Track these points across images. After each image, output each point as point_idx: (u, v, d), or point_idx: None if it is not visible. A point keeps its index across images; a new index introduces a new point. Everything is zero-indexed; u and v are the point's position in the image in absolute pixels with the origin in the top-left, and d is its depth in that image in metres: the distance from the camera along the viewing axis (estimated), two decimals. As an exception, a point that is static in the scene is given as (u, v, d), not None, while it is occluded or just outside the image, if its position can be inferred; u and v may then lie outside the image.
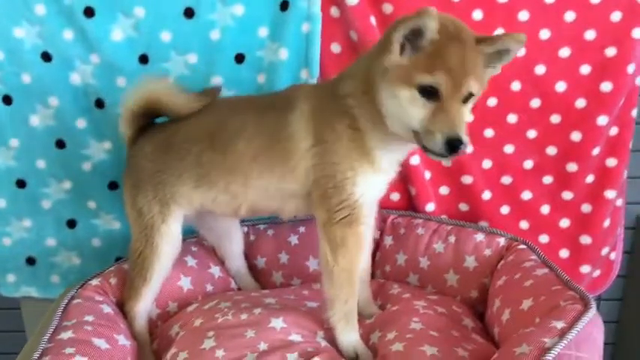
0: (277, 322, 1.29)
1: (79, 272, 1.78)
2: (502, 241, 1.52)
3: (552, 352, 1.05)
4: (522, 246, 1.49)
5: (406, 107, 1.14)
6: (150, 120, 1.45)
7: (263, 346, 1.23)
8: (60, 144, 1.67)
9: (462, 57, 1.11)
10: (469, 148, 1.13)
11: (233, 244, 1.61)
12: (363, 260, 1.36)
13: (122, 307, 1.44)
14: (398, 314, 1.36)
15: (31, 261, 1.79)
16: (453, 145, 1.10)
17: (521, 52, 1.57)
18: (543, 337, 1.09)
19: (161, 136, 1.41)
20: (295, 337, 1.26)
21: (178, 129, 1.39)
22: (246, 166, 1.31)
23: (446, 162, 1.20)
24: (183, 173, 1.37)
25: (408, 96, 1.13)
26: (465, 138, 1.11)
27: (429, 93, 1.12)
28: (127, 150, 1.48)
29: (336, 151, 1.24)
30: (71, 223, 1.76)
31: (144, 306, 1.43)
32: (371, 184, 1.26)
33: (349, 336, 1.28)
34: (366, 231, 1.34)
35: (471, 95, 1.15)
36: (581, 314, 1.13)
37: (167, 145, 1.39)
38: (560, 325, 1.11)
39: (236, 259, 1.63)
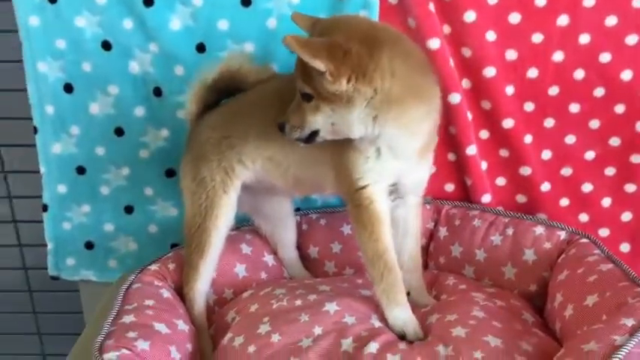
0: (331, 306, 1.28)
1: (135, 257, 1.80)
2: (563, 234, 1.47)
3: (623, 350, 1.01)
4: (585, 240, 1.43)
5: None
6: (217, 99, 1.47)
7: (318, 330, 1.23)
8: (119, 132, 1.69)
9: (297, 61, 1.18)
10: (294, 137, 1.23)
11: (287, 232, 1.60)
12: (402, 243, 1.37)
13: (181, 291, 1.45)
14: (456, 303, 1.33)
15: (89, 245, 1.82)
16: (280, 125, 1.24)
17: (586, 39, 1.51)
18: (613, 334, 1.04)
19: (227, 107, 1.45)
20: (349, 320, 1.25)
21: (244, 96, 1.43)
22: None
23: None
24: (249, 132, 1.39)
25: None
26: (287, 126, 1.22)
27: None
28: (190, 127, 1.49)
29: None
30: (129, 209, 1.78)
31: (202, 286, 1.43)
32: (366, 168, 1.25)
33: (394, 312, 1.26)
34: (406, 214, 1.37)
35: (307, 95, 1.18)
36: None
37: (233, 111, 1.43)
38: (630, 322, 1.07)
39: (289, 249, 1.62)
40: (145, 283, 1.41)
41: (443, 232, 1.60)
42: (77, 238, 1.81)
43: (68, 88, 1.64)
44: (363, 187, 1.26)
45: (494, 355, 1.15)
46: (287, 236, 1.61)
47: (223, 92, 1.47)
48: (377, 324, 1.26)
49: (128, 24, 1.57)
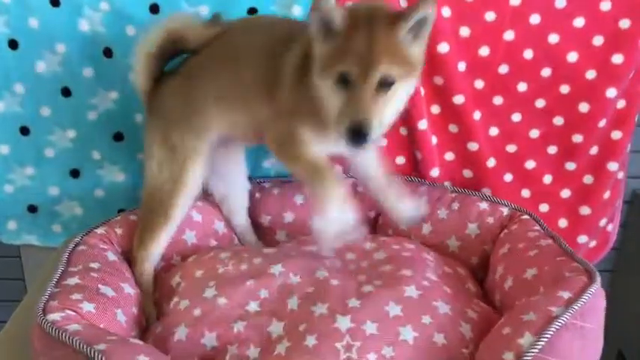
0: (276, 268, 1.31)
1: (81, 222, 1.77)
2: (505, 210, 1.52)
3: (559, 320, 1.06)
4: (526, 216, 1.49)
5: (327, 97, 1.15)
6: (162, 68, 1.43)
7: (264, 293, 1.26)
8: (66, 92, 1.64)
9: (371, 41, 1.10)
10: (376, 136, 1.14)
11: (240, 197, 1.60)
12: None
13: (127, 255, 1.43)
14: (412, 259, 1.37)
15: (32, 209, 1.77)
16: (356, 132, 1.10)
17: (536, 19, 1.56)
18: (550, 305, 1.10)
19: (181, 72, 1.41)
20: (294, 279, 1.28)
21: (197, 59, 1.39)
22: (249, 91, 1.32)
23: (360, 151, 1.26)
24: (209, 95, 1.37)
25: (329, 85, 1.14)
26: (372, 124, 1.10)
27: (345, 81, 1.12)
28: (145, 102, 1.45)
29: (294, 106, 1.26)
30: (75, 173, 1.73)
31: (157, 250, 1.43)
32: (314, 145, 1.26)
33: (321, 181, 1.24)
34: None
35: (391, 80, 1.12)
36: (587, 286, 1.14)
37: (190, 76, 1.39)
38: (566, 295, 1.12)
39: (241, 215, 1.62)
40: (91, 246, 1.38)
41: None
42: (20, 201, 1.76)
43: (13, 44, 1.58)
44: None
45: (442, 320, 1.19)
46: (239, 202, 1.60)
47: (172, 56, 1.43)
48: (322, 275, 1.29)
49: (78, -20, 1.52)
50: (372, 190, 1.44)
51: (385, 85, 1.12)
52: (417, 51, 1.16)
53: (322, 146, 1.27)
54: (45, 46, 1.58)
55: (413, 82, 1.18)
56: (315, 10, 1.11)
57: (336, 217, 1.21)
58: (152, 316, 1.36)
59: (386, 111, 1.14)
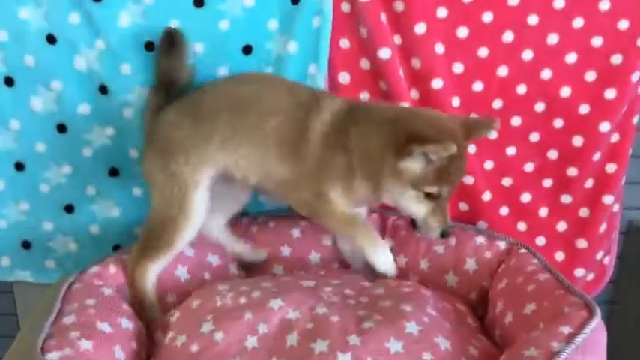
0: (275, 302, 1.29)
1: (75, 258, 1.76)
2: (502, 244, 1.53)
3: (560, 356, 1.07)
4: (523, 250, 1.49)
5: (411, 204, 1.34)
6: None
7: (262, 328, 1.24)
8: (61, 128, 1.64)
9: (462, 169, 1.33)
10: None
11: (221, 217, 1.60)
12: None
13: (130, 272, 1.45)
14: (410, 294, 1.37)
15: (26, 245, 1.76)
16: (447, 234, 1.37)
17: (529, 55, 1.59)
18: (551, 341, 1.11)
19: (188, 103, 1.47)
20: (293, 315, 1.27)
21: (208, 96, 1.46)
22: (266, 145, 1.39)
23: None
24: (213, 134, 1.41)
25: (414, 196, 1.32)
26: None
27: (432, 196, 1.32)
28: (148, 118, 1.51)
29: (326, 167, 1.37)
30: (69, 209, 1.73)
31: (155, 272, 1.45)
32: (342, 201, 1.39)
33: (377, 251, 1.38)
34: None
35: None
36: (587, 320, 1.15)
37: (196, 111, 1.44)
38: (566, 330, 1.13)
39: (221, 230, 1.61)
40: (86, 283, 1.38)
41: (389, 242, 1.62)
42: (13, 237, 1.75)
43: (9, 82, 1.59)
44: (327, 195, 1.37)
45: (443, 357, 1.19)
46: (220, 220, 1.60)
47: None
48: (322, 311, 1.28)
49: (75, 18, 1.53)
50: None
51: None
52: None
53: (349, 205, 1.40)
54: (41, 83, 1.59)
55: None
56: (435, 146, 1.23)
57: (382, 258, 1.39)
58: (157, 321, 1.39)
59: None
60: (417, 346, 1.19)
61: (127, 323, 1.31)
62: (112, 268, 1.46)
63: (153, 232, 1.45)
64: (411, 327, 1.23)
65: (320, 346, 1.19)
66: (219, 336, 1.24)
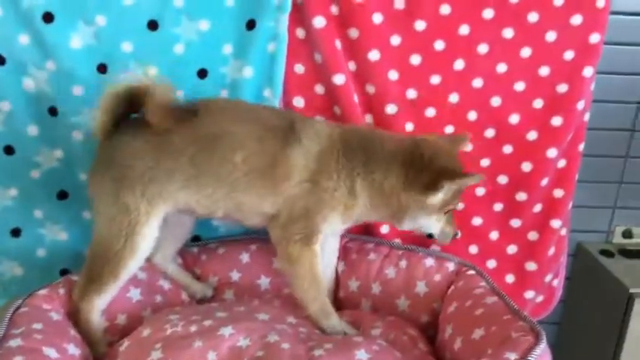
0: (226, 330, 1.29)
1: (21, 283, 1.71)
2: (451, 265, 1.56)
3: None
4: (471, 271, 1.53)
5: (433, 224, 1.44)
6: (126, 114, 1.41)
7: (212, 356, 1.23)
8: (8, 150, 1.61)
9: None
10: None
11: (170, 247, 1.58)
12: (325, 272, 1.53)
13: (70, 315, 1.40)
14: (358, 326, 1.43)
15: (-31, 269, 1.71)
16: (456, 237, 1.48)
17: (479, 83, 1.63)
18: None
19: (153, 136, 1.37)
20: (244, 342, 1.27)
21: (176, 135, 1.37)
22: (235, 178, 1.37)
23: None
24: (175, 172, 1.37)
25: (436, 218, 1.43)
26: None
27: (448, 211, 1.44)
28: (102, 141, 1.41)
29: (322, 196, 1.38)
30: (15, 232, 1.69)
31: (102, 302, 1.42)
32: (337, 226, 1.45)
33: (331, 321, 1.42)
34: (329, 250, 1.57)
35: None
36: (534, 346, 1.18)
37: (160, 143, 1.37)
38: (513, 356, 1.16)
39: (169, 260, 1.59)
40: (33, 307, 1.35)
41: (341, 266, 1.64)
42: (-44, 261, 1.70)
43: (-46, 102, 1.55)
44: (318, 234, 1.40)
45: None
46: (170, 248, 1.58)
47: (132, 108, 1.40)
48: (273, 339, 1.28)
49: (24, 39, 1.51)
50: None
51: None
52: None
53: (342, 227, 1.47)
54: (-12, 105, 1.56)
55: None
56: (459, 178, 1.36)
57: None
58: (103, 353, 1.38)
59: None
60: None
61: (74, 350, 1.29)
62: (61, 290, 1.43)
63: (96, 262, 1.41)
64: (361, 354, 1.24)
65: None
66: (167, 365, 1.22)
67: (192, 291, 1.61)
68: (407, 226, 1.43)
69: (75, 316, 1.40)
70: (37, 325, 1.28)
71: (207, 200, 1.40)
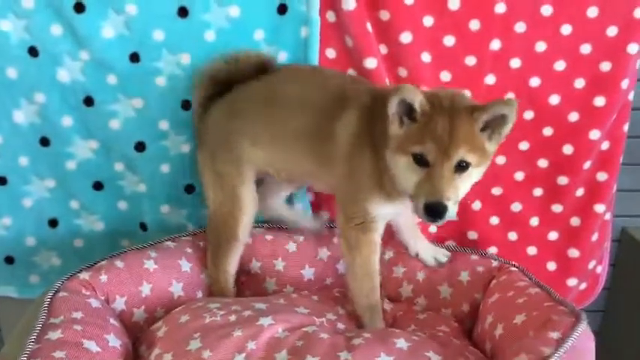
0: (265, 320, 1.29)
1: (59, 273, 1.72)
2: (495, 262, 1.57)
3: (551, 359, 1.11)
4: (514, 268, 1.53)
5: (403, 172, 1.26)
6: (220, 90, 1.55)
7: (251, 345, 1.23)
8: (44, 142, 1.65)
9: (452, 127, 1.21)
10: (452, 215, 1.24)
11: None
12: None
13: (212, 277, 1.55)
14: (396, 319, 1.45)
15: (9, 260, 1.77)
16: (432, 210, 1.21)
17: (517, 63, 1.60)
18: (541, 346, 1.15)
19: (228, 100, 1.53)
20: (283, 334, 1.27)
21: (241, 91, 1.51)
22: (291, 141, 1.45)
23: (432, 224, 1.40)
24: (246, 132, 1.49)
25: (405, 162, 1.25)
26: (449, 204, 1.21)
27: (421, 161, 1.23)
28: (198, 117, 1.57)
29: (358, 175, 1.37)
30: (53, 223, 1.74)
31: (232, 267, 1.56)
32: (384, 208, 1.39)
33: (374, 325, 1.40)
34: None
35: (466, 164, 1.23)
36: (575, 325, 1.21)
37: (232, 107, 1.51)
38: (556, 335, 1.19)
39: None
40: (72, 292, 1.35)
41: (389, 254, 1.65)
42: (-4, 252, 1.75)
43: (-10, 95, 1.60)
44: (372, 221, 1.39)
45: None
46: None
47: (228, 83, 1.54)
48: (311, 329, 1.28)
49: (57, 30, 1.54)
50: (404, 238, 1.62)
51: (461, 168, 1.23)
52: (492, 146, 1.28)
53: (390, 209, 1.39)
54: (23, 96, 1.60)
55: (484, 168, 1.30)
56: (396, 93, 1.22)
57: None
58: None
59: (460, 191, 1.26)
60: (409, 359, 1.20)
61: (115, 341, 1.28)
62: (103, 277, 1.43)
63: (216, 229, 1.55)
64: (401, 343, 1.25)
65: (310, 362, 1.18)
66: (206, 354, 1.22)
67: (303, 223, 1.67)
68: (390, 168, 1.30)
69: (214, 288, 1.56)
70: (77, 314, 1.29)
71: (275, 162, 1.49)
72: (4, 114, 1.61)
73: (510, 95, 1.63)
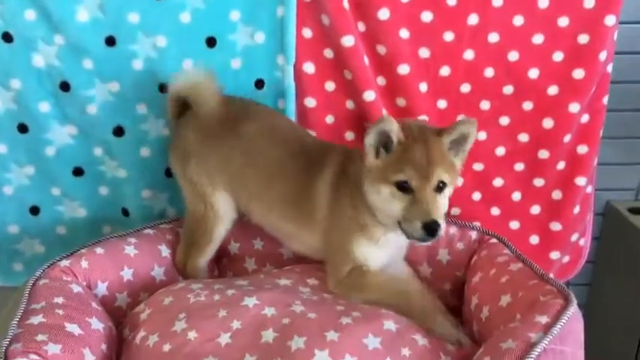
0: (250, 301, 1.32)
1: (43, 260, 1.70)
2: (474, 234, 1.58)
3: (538, 347, 1.10)
4: (494, 240, 1.55)
5: (388, 202, 1.33)
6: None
7: (236, 325, 1.26)
8: (22, 128, 1.67)
9: (426, 152, 1.31)
10: (442, 231, 1.32)
11: None
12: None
13: (180, 269, 1.58)
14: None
15: (-8, 248, 1.79)
16: (431, 229, 1.29)
17: (495, 38, 1.63)
18: (529, 332, 1.14)
19: (212, 123, 1.53)
20: (269, 311, 1.29)
21: (230, 128, 1.53)
22: (274, 200, 1.51)
23: (426, 244, 1.41)
24: (225, 170, 1.54)
25: (388, 192, 1.33)
26: (441, 221, 1.29)
27: (404, 188, 1.31)
28: (172, 123, 1.62)
29: (339, 221, 1.44)
30: (34, 210, 1.76)
31: (204, 260, 1.60)
32: (370, 252, 1.44)
33: (436, 324, 1.36)
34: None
35: (443, 184, 1.33)
36: (564, 309, 1.19)
37: (216, 138, 1.54)
38: (544, 319, 1.17)
39: None
40: (53, 279, 1.37)
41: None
42: (-22, 241, 1.77)
43: (-35, 83, 1.61)
44: (362, 265, 1.43)
45: (421, 353, 1.23)
46: None
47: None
48: (299, 309, 1.30)
49: (30, 15, 1.55)
50: None
51: (439, 189, 1.32)
52: (459, 163, 1.39)
53: (377, 252, 1.44)
54: (-1, 83, 1.61)
55: (454, 185, 1.38)
56: (374, 126, 1.31)
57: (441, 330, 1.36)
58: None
59: (443, 209, 1.34)
60: (395, 342, 1.23)
61: (97, 324, 1.31)
62: (84, 262, 1.45)
63: (191, 228, 1.58)
64: (389, 325, 1.27)
65: (296, 343, 1.21)
66: (192, 335, 1.26)
67: None
68: (370, 200, 1.37)
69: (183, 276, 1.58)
70: (58, 299, 1.31)
71: (248, 207, 1.55)
72: (-20, 102, 1.63)
73: (490, 70, 1.66)
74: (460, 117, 1.68)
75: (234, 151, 1.52)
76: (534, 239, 1.80)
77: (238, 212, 1.59)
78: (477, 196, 1.77)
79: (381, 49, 1.61)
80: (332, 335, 1.22)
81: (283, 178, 1.50)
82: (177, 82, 1.53)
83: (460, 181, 1.42)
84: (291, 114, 1.67)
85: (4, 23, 1.56)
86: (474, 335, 1.38)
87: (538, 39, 1.63)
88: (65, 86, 1.62)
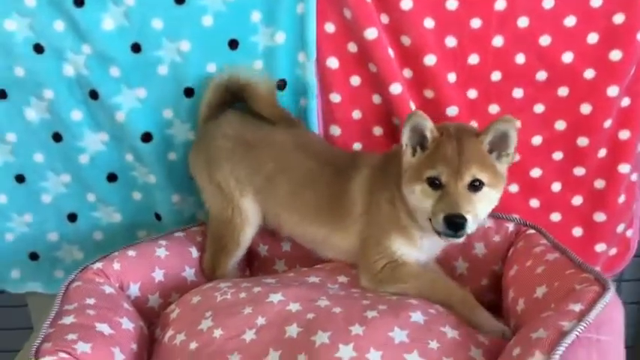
0: (275, 297, 1.33)
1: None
2: (511, 226, 1.54)
3: (571, 335, 1.05)
4: (531, 231, 1.50)
5: (420, 199, 1.34)
6: (231, 103, 1.65)
7: (261, 321, 1.27)
8: (57, 137, 1.72)
9: (460, 149, 1.31)
10: (471, 229, 1.29)
11: None
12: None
13: (209, 277, 1.58)
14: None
15: (34, 256, 1.86)
16: (453, 222, 1.27)
17: (525, 22, 1.59)
18: (561, 320, 1.09)
19: (245, 130, 1.60)
20: (293, 307, 1.30)
21: (262, 137, 1.58)
22: (304, 208, 1.53)
23: (454, 241, 1.34)
24: (255, 178, 1.56)
25: (420, 189, 1.33)
26: (468, 217, 1.26)
27: (435, 184, 1.31)
28: (200, 127, 1.65)
29: (376, 219, 1.45)
30: (72, 217, 1.82)
31: (235, 262, 1.62)
32: (406, 249, 1.44)
33: (476, 316, 1.33)
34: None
35: (480, 183, 1.30)
36: (600, 296, 1.13)
37: (248, 145, 1.58)
38: (578, 307, 1.11)
39: None
40: (86, 281, 1.42)
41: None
42: (20, 249, 1.84)
43: (2, 94, 1.68)
44: (397, 260, 1.43)
45: (450, 345, 1.19)
46: None
47: (233, 100, 1.64)
48: (323, 303, 1.30)
49: (59, 25, 1.61)
50: None
51: (475, 187, 1.30)
52: (502, 166, 1.37)
53: (413, 251, 1.44)
54: (32, 93, 1.67)
55: (499, 193, 1.35)
56: (407, 121, 1.33)
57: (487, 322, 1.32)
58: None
59: (478, 208, 1.31)
60: (423, 334, 1.20)
61: (128, 324, 1.34)
62: (116, 265, 1.49)
63: (217, 233, 1.59)
64: (417, 317, 1.24)
65: (321, 338, 1.20)
66: (217, 332, 1.27)
67: None
68: (408, 200, 1.37)
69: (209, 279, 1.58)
70: (90, 300, 1.35)
71: (275, 217, 1.57)
72: (15, 112, 1.69)
73: (521, 57, 1.61)
74: (493, 109, 1.65)
75: (266, 158, 1.55)
76: (577, 231, 1.74)
77: (266, 224, 1.61)
78: (514, 188, 1.72)
79: (406, 40, 1.59)
80: (357, 329, 1.21)
81: (316, 185, 1.51)
82: (236, 71, 1.58)
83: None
84: (313, 111, 1.67)
85: (35, 35, 1.61)
86: (513, 331, 1.32)
87: (570, 21, 1.58)
88: (94, 94, 1.67)
